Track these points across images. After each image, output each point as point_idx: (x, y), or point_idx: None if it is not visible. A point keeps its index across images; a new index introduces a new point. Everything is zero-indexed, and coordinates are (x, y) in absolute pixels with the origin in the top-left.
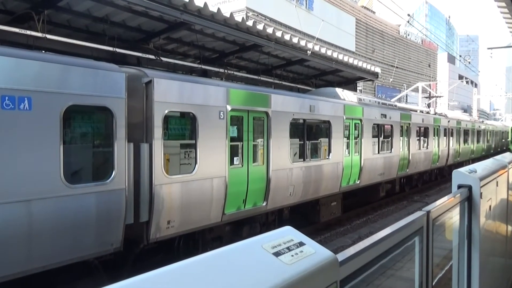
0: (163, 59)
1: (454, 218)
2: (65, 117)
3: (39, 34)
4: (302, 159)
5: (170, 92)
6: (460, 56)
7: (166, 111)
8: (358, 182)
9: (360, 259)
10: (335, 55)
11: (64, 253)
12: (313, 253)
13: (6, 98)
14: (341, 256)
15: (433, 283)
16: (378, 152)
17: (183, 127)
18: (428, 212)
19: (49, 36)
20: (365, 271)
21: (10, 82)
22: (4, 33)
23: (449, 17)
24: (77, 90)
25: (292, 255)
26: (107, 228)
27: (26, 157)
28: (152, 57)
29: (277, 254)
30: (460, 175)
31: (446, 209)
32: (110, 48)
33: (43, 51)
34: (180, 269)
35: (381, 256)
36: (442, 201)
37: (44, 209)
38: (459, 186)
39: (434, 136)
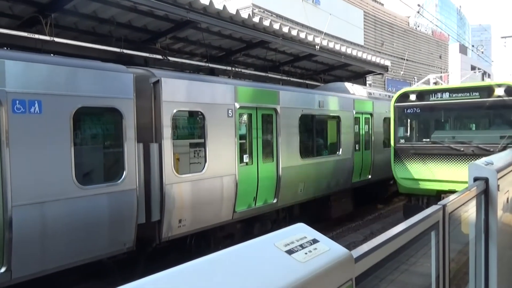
0: (170, 58)
1: (470, 211)
2: (75, 119)
3: (47, 38)
4: (312, 155)
5: (178, 92)
6: (473, 46)
7: (175, 111)
8: (369, 177)
9: (375, 255)
10: (343, 49)
11: (78, 253)
12: (327, 250)
13: (17, 102)
14: (356, 252)
15: (450, 278)
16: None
17: (191, 126)
18: (444, 206)
19: (57, 39)
20: (380, 267)
21: (20, 86)
22: (13, 37)
23: (460, 6)
24: (86, 92)
25: (306, 253)
26: (120, 228)
27: (39, 160)
28: (159, 57)
29: (290, 252)
30: (476, 167)
31: (462, 202)
32: (117, 49)
33: (52, 54)
34: (193, 267)
35: (397, 252)
36: (458, 195)
37: (57, 210)
38: (475, 179)
39: None
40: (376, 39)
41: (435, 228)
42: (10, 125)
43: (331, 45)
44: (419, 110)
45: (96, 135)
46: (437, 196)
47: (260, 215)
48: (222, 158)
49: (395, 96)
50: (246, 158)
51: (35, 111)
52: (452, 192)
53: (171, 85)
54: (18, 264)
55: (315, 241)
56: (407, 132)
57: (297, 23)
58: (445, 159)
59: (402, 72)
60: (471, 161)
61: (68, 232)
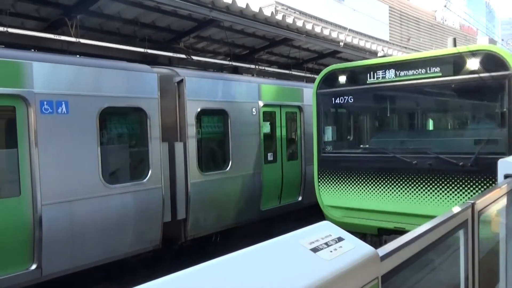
0: (194, 57)
1: (501, 209)
2: (101, 119)
3: (73, 39)
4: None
5: (201, 90)
6: (502, 40)
7: (199, 109)
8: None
9: (402, 254)
10: (368, 45)
11: (105, 252)
12: (353, 248)
13: (45, 102)
14: (382, 251)
15: (479, 278)
16: None
17: (216, 124)
18: (473, 204)
19: (82, 41)
20: (407, 266)
21: (47, 87)
22: (40, 39)
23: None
24: (112, 92)
25: (331, 251)
26: (146, 227)
27: (66, 160)
28: (183, 56)
29: (315, 250)
30: (507, 164)
31: (492, 200)
32: (142, 50)
33: (77, 56)
34: (218, 265)
35: (424, 250)
36: (488, 192)
37: (85, 209)
38: (506, 176)
39: None
40: (402, 35)
41: (464, 226)
42: (38, 126)
43: (355, 41)
44: (352, 100)
45: (122, 135)
46: (380, 235)
47: (285, 213)
48: (246, 156)
49: (318, 77)
50: (270, 156)
51: (62, 112)
52: (402, 231)
53: (195, 84)
54: (48, 262)
55: (340, 239)
56: (337, 134)
57: (320, 20)
58: (390, 177)
59: None
60: (429, 180)
61: (95, 230)
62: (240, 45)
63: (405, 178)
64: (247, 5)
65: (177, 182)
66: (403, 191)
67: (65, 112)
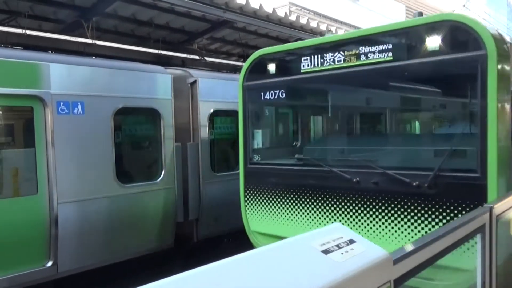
0: (207, 59)
1: None
2: (116, 119)
3: (88, 41)
4: None
5: (214, 91)
6: None
7: (211, 110)
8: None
9: (415, 257)
10: None
11: (118, 250)
12: (365, 251)
13: (61, 103)
14: (395, 254)
15: (497, 284)
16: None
17: (228, 125)
18: (491, 208)
19: (98, 42)
20: (421, 270)
21: (64, 88)
22: (57, 41)
23: None
24: (126, 93)
25: (342, 253)
26: (159, 226)
27: (82, 159)
28: (196, 57)
29: (326, 251)
30: None
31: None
32: (156, 51)
33: (93, 57)
34: (232, 264)
35: (439, 254)
36: (507, 196)
37: (99, 208)
38: None
39: None
40: None
41: (481, 231)
42: (55, 126)
43: None
44: (284, 94)
45: (136, 135)
46: None
47: None
48: None
49: (245, 66)
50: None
51: (78, 112)
52: None
53: (208, 85)
54: (63, 259)
55: (351, 241)
56: (269, 139)
57: (335, 20)
58: (326, 199)
59: None
60: (374, 206)
61: (109, 229)
62: (253, 46)
63: (344, 202)
64: (261, 6)
65: (190, 183)
66: (342, 219)
67: (81, 112)
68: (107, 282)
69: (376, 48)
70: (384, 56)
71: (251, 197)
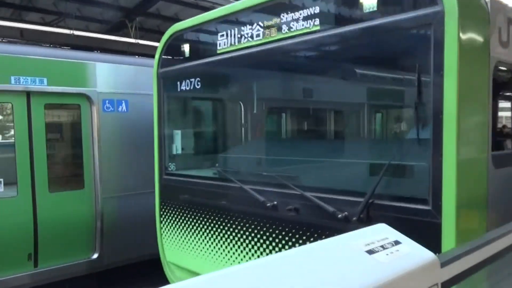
0: None
1: None
2: None
3: (132, 40)
4: None
5: None
6: None
7: None
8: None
9: (465, 261)
10: None
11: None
12: (410, 252)
13: (107, 101)
14: (443, 257)
15: None
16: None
17: None
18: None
19: (141, 42)
20: (470, 274)
21: (109, 87)
22: (103, 41)
23: None
24: None
25: (387, 254)
26: None
27: (125, 156)
28: None
29: (370, 252)
30: None
31: None
32: None
33: (136, 56)
34: (274, 262)
35: (491, 258)
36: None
37: (141, 203)
38: None
39: None
40: None
41: None
42: (100, 123)
43: None
44: (199, 84)
45: None
46: None
47: None
48: None
49: (159, 46)
50: None
51: (122, 110)
52: None
53: None
54: (108, 251)
55: (397, 242)
56: (188, 142)
57: None
58: (234, 225)
59: None
60: (291, 242)
61: (149, 224)
62: None
63: (254, 232)
64: None
65: None
66: (252, 254)
67: (125, 110)
68: (139, 276)
69: (300, 14)
70: (310, 24)
71: (168, 217)
